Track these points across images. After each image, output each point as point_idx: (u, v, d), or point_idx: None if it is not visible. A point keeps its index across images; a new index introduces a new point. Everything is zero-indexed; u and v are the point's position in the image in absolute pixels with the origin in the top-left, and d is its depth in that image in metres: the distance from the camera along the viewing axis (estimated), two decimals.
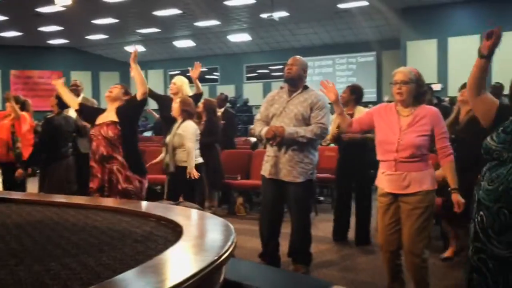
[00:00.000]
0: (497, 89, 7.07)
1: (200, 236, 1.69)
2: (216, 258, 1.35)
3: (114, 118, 3.69)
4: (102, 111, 3.91)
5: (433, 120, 3.00)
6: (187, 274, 1.19)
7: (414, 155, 2.96)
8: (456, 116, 4.12)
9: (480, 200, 2.34)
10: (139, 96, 3.71)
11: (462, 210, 2.93)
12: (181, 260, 1.41)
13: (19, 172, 5.24)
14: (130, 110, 3.76)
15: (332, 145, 7.54)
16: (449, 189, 3.00)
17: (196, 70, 5.31)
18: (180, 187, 4.71)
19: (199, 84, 5.36)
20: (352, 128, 3.35)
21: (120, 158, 3.63)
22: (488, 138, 2.38)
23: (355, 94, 4.86)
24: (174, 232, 1.72)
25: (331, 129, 4.62)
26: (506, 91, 6.59)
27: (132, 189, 3.63)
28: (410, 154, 2.96)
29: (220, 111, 6.90)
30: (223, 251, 1.42)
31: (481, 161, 2.44)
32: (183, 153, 4.69)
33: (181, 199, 5.34)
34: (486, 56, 2.36)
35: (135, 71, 3.74)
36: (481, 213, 2.32)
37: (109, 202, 2.63)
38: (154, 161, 5.12)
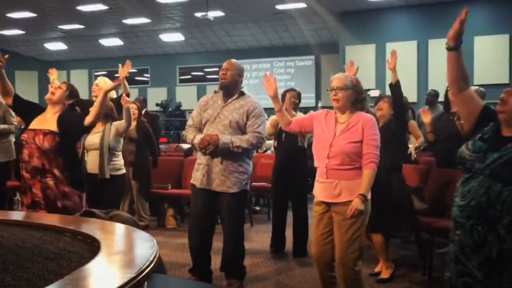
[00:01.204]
0: (432, 96, 7.46)
1: (119, 251, 1.65)
2: (135, 274, 1.32)
3: (54, 127, 3.43)
4: (40, 109, 3.60)
5: (364, 126, 3.06)
6: None
7: (344, 162, 3.04)
8: None
9: (455, 217, 2.26)
10: (87, 122, 3.48)
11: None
12: (96, 278, 1.37)
13: None
14: (75, 127, 3.53)
15: (268, 152, 7.65)
16: (359, 194, 2.97)
17: (125, 69, 5.21)
18: (111, 197, 4.60)
19: (127, 84, 5.26)
20: (290, 127, 3.41)
21: (57, 172, 3.41)
22: (463, 147, 2.25)
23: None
24: (90, 248, 1.68)
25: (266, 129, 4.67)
26: (441, 98, 7.02)
27: (71, 206, 3.42)
28: (340, 161, 3.04)
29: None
30: (144, 266, 1.39)
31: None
32: (118, 160, 4.62)
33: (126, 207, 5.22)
34: (452, 48, 2.25)
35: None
36: (457, 231, 2.25)
37: (19, 215, 2.50)
38: None
